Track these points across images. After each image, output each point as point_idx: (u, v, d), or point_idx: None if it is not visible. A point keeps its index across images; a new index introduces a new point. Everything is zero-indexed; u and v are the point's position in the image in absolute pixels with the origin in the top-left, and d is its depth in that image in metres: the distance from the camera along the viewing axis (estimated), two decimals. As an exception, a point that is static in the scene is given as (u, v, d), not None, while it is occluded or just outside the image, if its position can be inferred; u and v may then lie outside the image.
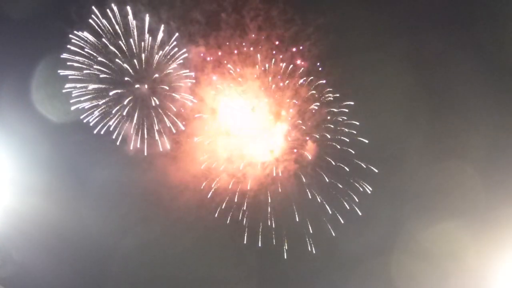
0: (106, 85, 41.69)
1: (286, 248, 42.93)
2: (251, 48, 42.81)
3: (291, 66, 42.95)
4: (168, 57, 41.88)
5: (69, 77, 41.08)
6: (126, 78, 41.81)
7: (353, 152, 42.69)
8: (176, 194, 42.54)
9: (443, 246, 39.44)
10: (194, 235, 41.58)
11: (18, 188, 38.10)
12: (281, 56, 42.91)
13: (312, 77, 42.98)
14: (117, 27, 41.09)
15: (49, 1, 40.48)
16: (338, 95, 42.99)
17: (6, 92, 40.01)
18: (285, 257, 42.93)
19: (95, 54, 41.30)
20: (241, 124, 44.02)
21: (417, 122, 42.44)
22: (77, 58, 40.97)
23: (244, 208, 42.99)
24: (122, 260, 40.75)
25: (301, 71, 43.05)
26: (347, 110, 42.84)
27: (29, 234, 38.40)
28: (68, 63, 40.90)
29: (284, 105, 43.66)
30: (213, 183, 43.16)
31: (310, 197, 43.01)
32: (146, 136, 42.55)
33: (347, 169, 42.95)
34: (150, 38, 41.17)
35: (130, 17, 40.86)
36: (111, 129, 41.94)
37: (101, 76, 41.49)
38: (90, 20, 40.83)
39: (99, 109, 41.77)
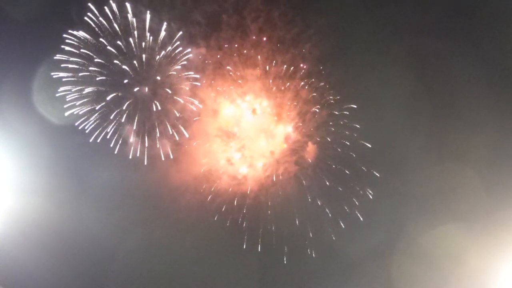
0: (104, 87, 40.17)
1: (286, 251, 42.81)
2: (252, 50, 42.63)
3: (292, 68, 42.82)
4: (169, 58, 41.19)
5: (63, 79, 39.59)
6: (125, 80, 40.56)
7: (354, 155, 42.70)
8: (177, 196, 42.28)
9: (445, 248, 39.58)
10: (195, 236, 41.34)
11: (19, 189, 37.71)
12: (282, 58, 42.75)
13: (313, 79, 42.91)
14: (115, 25, 39.57)
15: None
16: (339, 97, 42.95)
17: (7, 93, 39.21)
18: (285, 261, 42.79)
19: (92, 55, 39.72)
20: (241, 126, 43.81)
21: (418, 124, 42.58)
22: (72, 59, 39.34)
23: (244, 211, 42.72)
24: (122, 261, 40.48)
25: (302, 73, 42.96)
26: (348, 113, 42.83)
27: (29, 234, 37.92)
28: (62, 65, 39.40)
29: (285, 106, 43.52)
30: (213, 185, 42.98)
31: (310, 200, 42.94)
32: (146, 145, 41.51)
33: (347, 172, 42.91)
34: (151, 38, 40.18)
35: (130, 15, 39.54)
36: (108, 136, 40.66)
37: (98, 79, 39.95)
38: (87, 18, 39.36)
39: (96, 115, 40.16)
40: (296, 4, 41.78)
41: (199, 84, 41.83)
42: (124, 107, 40.67)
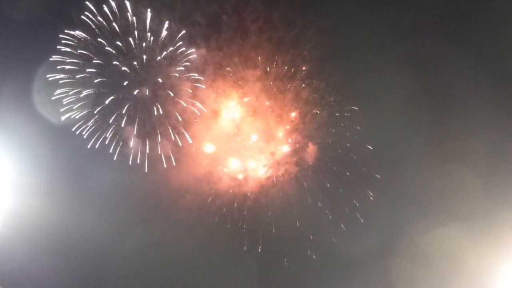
0: (102, 89, 39.13)
1: (286, 252, 42.79)
2: (252, 51, 42.39)
3: (293, 69, 42.70)
4: (170, 59, 40.71)
5: (60, 82, 38.55)
6: (125, 82, 39.73)
7: (355, 157, 42.77)
8: (177, 197, 42.10)
9: (445, 249, 39.70)
10: (195, 238, 41.35)
11: (19, 190, 37.59)
12: (282, 59, 42.57)
13: (313, 80, 42.80)
14: (114, 24, 38.48)
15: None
16: (339, 98, 42.90)
17: (7, 94, 38.78)
18: (285, 262, 42.74)
19: (90, 55, 38.74)
20: (242, 127, 43.61)
21: (418, 126, 42.56)
22: (69, 60, 38.24)
23: (245, 213, 42.67)
24: (122, 261, 40.29)
25: (302, 74, 42.83)
26: (348, 115, 42.84)
27: (29, 235, 37.76)
28: (59, 67, 38.27)
29: (285, 107, 43.41)
30: (214, 186, 42.85)
31: (310, 201, 42.89)
32: (147, 151, 40.93)
33: (348, 174, 42.92)
34: (152, 38, 39.47)
35: (129, 14, 38.62)
36: (106, 142, 39.83)
37: (96, 80, 38.88)
38: (84, 18, 38.42)
39: (94, 118, 39.11)
40: (296, 5, 41.72)
41: (203, 86, 41.54)
42: (123, 111, 39.90)
